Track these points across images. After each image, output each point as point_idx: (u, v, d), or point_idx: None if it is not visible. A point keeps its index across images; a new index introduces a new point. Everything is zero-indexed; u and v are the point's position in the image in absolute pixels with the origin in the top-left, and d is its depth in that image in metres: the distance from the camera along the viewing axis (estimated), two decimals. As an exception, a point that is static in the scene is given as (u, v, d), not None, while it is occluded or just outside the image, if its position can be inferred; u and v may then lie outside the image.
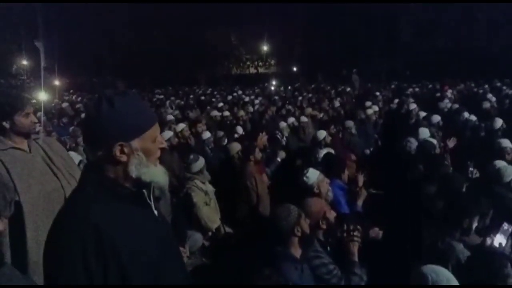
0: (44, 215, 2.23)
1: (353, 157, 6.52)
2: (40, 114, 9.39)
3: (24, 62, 39.96)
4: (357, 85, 19.37)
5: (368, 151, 7.47)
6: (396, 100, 10.94)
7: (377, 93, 13.00)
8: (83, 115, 8.98)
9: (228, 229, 4.21)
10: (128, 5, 25.52)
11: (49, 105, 12.39)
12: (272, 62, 41.43)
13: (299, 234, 2.24)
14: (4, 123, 2.19)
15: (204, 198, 3.99)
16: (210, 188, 4.21)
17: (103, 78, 26.56)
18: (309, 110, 9.67)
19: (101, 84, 22.95)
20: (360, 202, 3.87)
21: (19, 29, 34.48)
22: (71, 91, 19.49)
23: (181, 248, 3.30)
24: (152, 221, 1.35)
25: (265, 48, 40.40)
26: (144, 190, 1.31)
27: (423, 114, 7.25)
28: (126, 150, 1.22)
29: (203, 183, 4.12)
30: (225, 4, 25.61)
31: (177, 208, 3.98)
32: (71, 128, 7.33)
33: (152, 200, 1.36)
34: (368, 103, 9.87)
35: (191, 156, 4.21)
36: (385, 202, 4.22)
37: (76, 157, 4.96)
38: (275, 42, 40.30)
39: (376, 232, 3.43)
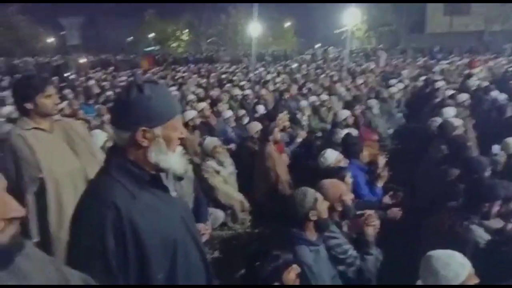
0: (66, 192, 2.32)
1: (375, 136, 6.48)
2: (68, 91, 9.68)
3: (50, 40, 41.02)
4: (382, 62, 18.84)
5: (391, 131, 7.34)
6: (423, 78, 10.60)
7: (403, 71, 12.57)
8: (108, 93, 9.16)
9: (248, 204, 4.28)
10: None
11: (75, 83, 12.67)
12: (294, 39, 40.81)
13: (314, 218, 2.23)
14: (27, 104, 2.27)
15: (218, 178, 4.05)
16: (227, 169, 4.25)
17: (127, 55, 26.85)
18: (331, 88, 9.60)
19: (125, 62, 23.18)
20: (380, 184, 3.84)
21: (44, 7, 35.19)
22: (98, 68, 19.76)
23: (203, 225, 3.43)
24: (170, 203, 1.41)
25: (287, 23, 39.80)
26: (161, 174, 1.37)
27: (450, 92, 6.99)
28: (148, 135, 1.28)
29: (220, 163, 4.16)
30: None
31: (198, 186, 4.04)
32: (96, 106, 7.45)
33: (170, 182, 1.41)
34: (393, 81, 9.62)
35: (204, 137, 4.25)
36: (406, 184, 4.15)
37: (101, 134, 5.09)
38: (298, 18, 39.71)
39: (395, 212, 3.42)
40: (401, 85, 8.72)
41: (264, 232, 4.03)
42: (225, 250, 3.78)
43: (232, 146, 5.94)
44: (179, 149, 1.40)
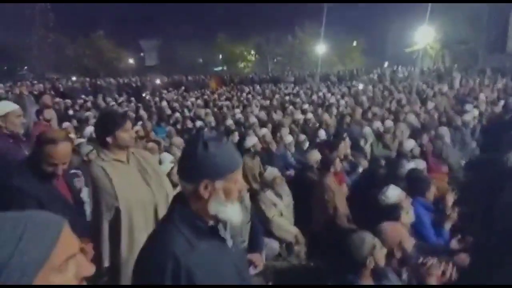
0: (137, 220, 2.53)
1: (445, 168, 6.10)
2: (143, 113, 10.45)
3: (130, 61, 44.70)
4: (457, 84, 17.72)
5: (463, 163, 6.84)
6: (502, 103, 9.78)
7: (481, 94, 11.70)
8: (176, 115, 9.72)
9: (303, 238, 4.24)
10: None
11: (149, 103, 13.60)
12: (361, 58, 40.00)
13: (371, 266, 2.17)
14: (107, 138, 2.53)
15: (275, 210, 4.08)
16: (285, 201, 4.27)
17: (197, 76, 28.26)
18: (398, 113, 9.23)
19: (195, 82, 24.41)
20: (448, 226, 3.60)
21: (127, 31, 38.59)
22: (169, 89, 21.07)
23: (257, 255, 3.48)
24: (226, 253, 1.49)
25: (354, 42, 39.25)
26: (220, 225, 1.47)
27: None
28: (209, 188, 1.39)
29: (278, 194, 4.19)
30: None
31: (255, 214, 4.10)
32: (167, 128, 7.91)
33: (228, 233, 1.50)
34: (468, 106, 9.00)
35: (265, 167, 4.31)
36: (476, 226, 3.84)
37: (168, 157, 5.44)
38: (366, 37, 38.98)
39: (463, 259, 3.18)
40: (476, 112, 8.12)
41: (319, 266, 3.96)
42: (279, 282, 3.77)
43: (291, 172, 5.97)
44: (238, 204, 1.48)
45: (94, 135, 5.70)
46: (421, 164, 4.54)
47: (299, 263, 4.12)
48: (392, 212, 3.04)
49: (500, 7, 27.32)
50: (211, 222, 1.44)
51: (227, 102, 13.01)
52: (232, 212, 1.43)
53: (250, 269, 3.45)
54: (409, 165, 4.43)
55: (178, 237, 1.38)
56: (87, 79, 24.82)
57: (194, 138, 1.47)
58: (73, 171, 4.67)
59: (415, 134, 6.55)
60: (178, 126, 8.50)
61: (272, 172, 4.26)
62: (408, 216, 3.14)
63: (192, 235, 1.39)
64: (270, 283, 3.76)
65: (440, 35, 30.57)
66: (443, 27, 29.30)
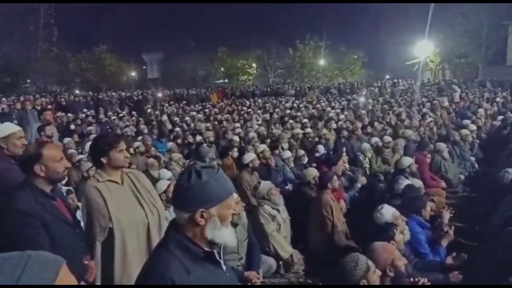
0: (130, 241, 2.54)
1: (442, 184, 6.11)
2: (143, 127, 10.53)
3: (133, 74, 45.14)
4: (456, 97, 17.80)
5: (462, 177, 6.86)
6: (500, 117, 9.81)
7: (479, 109, 11.74)
8: (176, 129, 9.78)
9: (300, 256, 4.24)
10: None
11: (150, 117, 13.70)
12: (362, 71, 40.29)
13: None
14: (102, 159, 2.57)
15: (273, 225, 4.09)
16: (282, 215, 4.29)
17: (199, 89, 28.48)
18: (397, 127, 9.28)
19: (196, 96, 24.57)
20: (444, 243, 3.61)
21: (130, 44, 39.09)
22: (170, 102, 21.21)
23: (254, 273, 3.49)
24: (220, 277, 1.55)
25: (354, 55, 39.57)
26: (215, 250, 1.52)
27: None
28: (205, 215, 1.44)
29: (275, 205, 4.22)
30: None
31: (252, 232, 4.11)
32: (168, 144, 7.94)
33: (222, 258, 1.56)
34: (466, 121, 9.04)
35: (259, 181, 4.34)
36: (470, 246, 3.85)
37: (166, 173, 5.49)
38: (366, 49, 39.34)
39: (457, 277, 3.18)
40: (473, 127, 8.15)
41: (316, 283, 3.95)
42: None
43: (290, 187, 6.00)
44: (231, 227, 1.55)
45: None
46: (416, 183, 4.54)
47: (297, 280, 4.11)
48: (386, 230, 3.05)
49: (499, 20, 27.59)
50: (206, 248, 1.49)
51: (228, 116, 13.09)
52: (227, 235, 1.49)
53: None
54: (405, 182, 4.44)
55: (174, 263, 1.42)
56: (90, 92, 25.03)
57: (188, 168, 1.53)
58: (69, 187, 4.72)
59: (411, 149, 6.56)
60: (179, 141, 8.56)
61: (265, 184, 4.28)
62: (402, 234, 3.15)
63: (187, 260, 1.44)
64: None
65: (440, 48, 30.86)
66: (442, 41, 29.63)
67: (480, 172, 7.05)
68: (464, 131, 7.66)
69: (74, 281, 0.94)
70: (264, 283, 3.88)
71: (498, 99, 14.70)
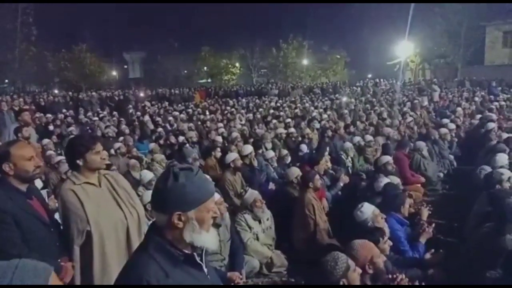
0: (109, 243, 2.51)
1: (421, 180, 6.22)
2: (124, 127, 10.37)
3: (114, 73, 44.44)
4: (436, 97, 18.17)
5: (441, 175, 7.01)
6: (479, 116, 10.06)
7: (458, 108, 12.02)
8: (158, 129, 9.68)
9: (282, 257, 4.25)
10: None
11: (132, 117, 13.49)
12: (345, 70, 40.69)
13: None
14: (78, 161, 2.52)
15: (250, 234, 4.08)
16: (264, 224, 4.25)
17: (181, 89, 28.22)
18: (378, 126, 9.42)
19: (179, 95, 24.36)
20: (423, 240, 3.67)
21: (111, 43, 38.44)
22: (153, 102, 20.96)
23: (237, 273, 3.47)
24: (201, 280, 1.53)
25: (337, 55, 39.98)
26: (195, 253, 1.50)
27: (505, 135, 6.58)
28: (183, 218, 1.43)
29: (256, 217, 4.19)
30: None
31: (235, 232, 4.10)
32: (150, 145, 7.85)
33: (203, 260, 1.55)
34: (445, 120, 9.24)
35: (246, 188, 4.31)
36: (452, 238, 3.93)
37: (148, 174, 5.43)
38: (349, 49, 39.77)
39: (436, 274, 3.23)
40: (452, 125, 8.33)
41: (300, 282, 3.97)
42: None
43: (272, 186, 6.01)
44: (213, 230, 1.53)
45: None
46: (395, 181, 4.61)
47: (280, 280, 4.12)
48: (370, 233, 3.07)
49: (477, 21, 28.28)
50: (186, 250, 1.47)
51: (211, 116, 13.03)
52: (207, 239, 1.47)
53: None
54: (385, 180, 4.50)
55: (153, 265, 1.41)
56: (69, 93, 24.51)
57: (166, 169, 1.51)
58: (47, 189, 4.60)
59: (390, 147, 6.65)
60: (161, 141, 8.47)
61: (252, 194, 4.22)
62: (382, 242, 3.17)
63: (166, 263, 1.42)
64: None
65: (420, 49, 31.41)
66: (422, 41, 30.15)
67: (459, 170, 7.20)
68: (443, 130, 7.82)
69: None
70: (247, 283, 3.87)
71: (476, 98, 15.07)
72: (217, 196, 3.71)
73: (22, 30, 30.15)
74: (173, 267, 1.42)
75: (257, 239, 4.14)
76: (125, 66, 51.42)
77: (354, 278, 2.24)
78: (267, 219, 4.32)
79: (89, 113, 14.60)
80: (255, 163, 6.29)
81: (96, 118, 12.87)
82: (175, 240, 1.45)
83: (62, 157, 6.03)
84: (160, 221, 1.46)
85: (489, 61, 29.65)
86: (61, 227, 2.52)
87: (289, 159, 6.85)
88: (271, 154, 6.71)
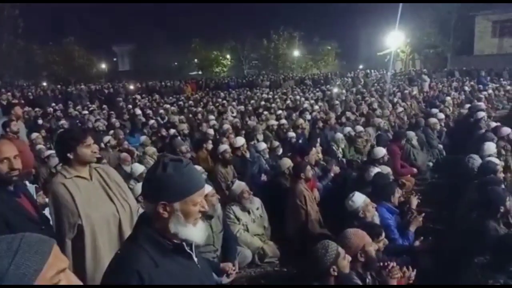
0: (101, 237, 2.50)
1: (412, 170, 6.30)
2: (114, 120, 10.29)
3: (103, 66, 43.87)
4: (426, 87, 18.31)
5: (430, 164, 7.10)
6: (468, 105, 10.17)
7: (447, 98, 12.14)
8: (150, 122, 9.63)
9: (274, 247, 4.29)
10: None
11: (122, 110, 13.37)
12: (335, 61, 40.71)
13: (335, 273, 2.23)
14: (68, 154, 2.50)
15: (239, 226, 4.11)
16: (254, 214, 4.28)
17: (172, 81, 28.01)
18: (369, 117, 9.47)
19: (170, 88, 24.17)
20: (413, 228, 3.73)
21: (99, 36, 37.83)
22: (143, 95, 20.78)
23: (230, 264, 3.50)
24: (191, 269, 1.54)
25: (328, 46, 39.96)
26: (184, 243, 1.50)
27: (493, 124, 6.67)
28: (168, 208, 1.44)
29: (244, 209, 4.21)
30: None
31: (227, 223, 4.12)
32: (142, 138, 7.80)
33: (193, 249, 1.55)
34: (434, 110, 9.33)
35: (233, 180, 4.33)
36: (441, 227, 4.00)
37: (139, 168, 5.41)
38: (340, 40, 39.75)
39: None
40: (442, 115, 8.42)
41: (292, 271, 4.02)
42: (253, 289, 3.81)
43: (265, 177, 6.04)
44: (201, 224, 1.52)
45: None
46: (385, 170, 4.67)
47: (272, 269, 4.17)
48: (368, 228, 3.09)
49: (467, 11, 28.43)
50: (175, 240, 1.48)
51: (202, 108, 12.98)
52: (192, 233, 1.47)
53: (224, 277, 3.49)
54: (375, 170, 4.55)
55: (142, 255, 1.41)
56: (58, 86, 24.19)
57: (157, 160, 1.52)
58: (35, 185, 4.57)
59: (384, 139, 6.71)
60: (151, 134, 8.43)
61: (239, 186, 4.23)
62: (374, 220, 3.24)
63: (155, 253, 1.43)
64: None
65: (410, 39, 31.55)
66: (412, 32, 30.28)
67: (448, 159, 7.29)
68: (432, 120, 7.90)
69: (65, 258, 1.00)
70: (240, 273, 3.91)
71: (466, 88, 15.22)
72: (209, 188, 3.73)
73: (8, 23, 29.56)
74: (162, 257, 1.43)
75: (247, 230, 4.17)
76: (114, 59, 50.80)
77: (344, 266, 2.27)
78: (257, 209, 4.35)
79: (79, 107, 14.46)
80: (247, 155, 6.29)
81: (86, 112, 12.73)
82: (163, 230, 1.46)
83: (52, 151, 6.00)
84: (148, 210, 1.49)
85: (478, 51, 29.88)
86: (51, 222, 2.51)
87: (280, 150, 6.88)
88: (263, 145, 6.73)
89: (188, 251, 1.52)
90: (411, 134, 6.98)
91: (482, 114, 7.29)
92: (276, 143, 7.01)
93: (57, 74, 33.26)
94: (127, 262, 1.41)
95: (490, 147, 5.04)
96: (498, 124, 6.66)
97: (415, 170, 6.40)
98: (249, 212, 4.23)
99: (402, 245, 3.60)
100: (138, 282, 1.36)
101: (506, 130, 5.93)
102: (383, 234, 2.99)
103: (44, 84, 28.08)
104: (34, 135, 7.24)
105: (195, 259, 1.56)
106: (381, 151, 5.35)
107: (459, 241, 3.13)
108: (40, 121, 10.43)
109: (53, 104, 15.18)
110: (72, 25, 36.86)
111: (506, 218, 3.15)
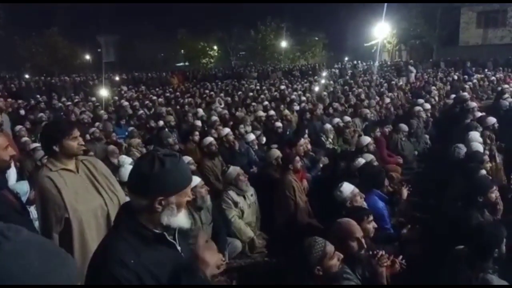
0: (89, 230, 2.47)
1: (399, 160, 6.37)
2: (102, 112, 10.14)
3: (87, 57, 42.98)
4: (412, 78, 18.49)
5: (416, 153, 7.19)
6: (453, 96, 10.30)
7: (433, 88, 12.28)
8: (139, 112, 9.50)
9: (263, 238, 4.30)
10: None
11: (108, 102, 13.17)
12: (323, 52, 40.71)
13: (320, 273, 2.14)
14: (54, 147, 2.45)
15: (235, 211, 4.12)
16: (249, 200, 4.30)
17: (159, 72, 27.69)
18: (357, 107, 9.52)
19: (156, 79, 23.90)
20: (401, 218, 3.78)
21: (81, 24, 36.96)
22: (129, 86, 20.47)
23: (220, 255, 3.50)
24: (174, 258, 1.54)
25: (315, 37, 39.92)
26: (165, 233, 1.52)
27: (478, 114, 6.77)
28: (163, 202, 1.45)
29: (240, 192, 4.23)
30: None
31: (217, 214, 4.12)
32: (129, 129, 7.70)
33: (176, 239, 1.57)
34: (420, 100, 9.42)
35: (228, 166, 4.33)
36: (424, 219, 4.06)
37: (126, 159, 5.34)
38: (327, 32, 39.73)
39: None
40: (428, 105, 8.52)
41: (282, 262, 4.04)
42: (243, 279, 3.81)
43: (254, 169, 6.03)
44: (184, 210, 1.56)
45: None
46: (369, 157, 4.72)
47: (262, 260, 4.19)
48: (355, 214, 3.09)
49: (452, 2, 28.63)
50: (156, 230, 1.49)
51: (190, 99, 12.86)
52: (181, 219, 1.51)
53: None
54: (362, 160, 4.59)
55: (124, 245, 1.43)
56: (41, 78, 23.66)
57: (149, 154, 1.50)
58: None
59: (371, 127, 6.76)
60: (140, 126, 8.33)
61: (235, 169, 4.27)
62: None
63: (138, 243, 1.45)
64: (234, 281, 3.79)
65: (396, 30, 31.70)
66: (399, 22, 30.40)
67: (434, 148, 7.39)
68: (416, 108, 8.00)
69: None
70: (230, 264, 3.92)
71: (451, 79, 15.40)
72: (197, 180, 3.72)
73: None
74: (144, 247, 1.45)
75: (242, 215, 4.18)
76: (99, 50, 49.79)
77: (331, 265, 2.17)
78: (251, 195, 4.39)
79: (63, 99, 14.17)
80: (236, 147, 6.27)
81: (70, 103, 12.49)
82: (148, 221, 1.48)
83: (37, 144, 5.87)
84: (138, 204, 1.47)
85: (463, 41, 30.18)
86: (37, 215, 2.46)
87: (264, 139, 6.92)
88: (251, 137, 6.71)
89: (171, 240, 1.54)
90: (404, 127, 6.99)
91: (473, 104, 7.40)
92: (258, 132, 7.00)
93: (41, 66, 32.47)
94: (110, 252, 1.43)
95: (475, 136, 5.12)
96: (483, 114, 6.76)
97: (401, 160, 6.48)
98: (244, 198, 4.24)
99: (390, 233, 3.64)
100: (123, 270, 1.38)
101: (491, 120, 6.03)
102: (371, 216, 2.99)
103: (27, 76, 27.42)
104: (18, 127, 7.09)
105: (179, 248, 1.57)
106: (366, 139, 5.41)
107: (445, 230, 3.18)
108: (22, 112, 10.21)
109: (37, 96, 14.87)
110: (56, 15, 35.87)
111: (492, 207, 3.21)
